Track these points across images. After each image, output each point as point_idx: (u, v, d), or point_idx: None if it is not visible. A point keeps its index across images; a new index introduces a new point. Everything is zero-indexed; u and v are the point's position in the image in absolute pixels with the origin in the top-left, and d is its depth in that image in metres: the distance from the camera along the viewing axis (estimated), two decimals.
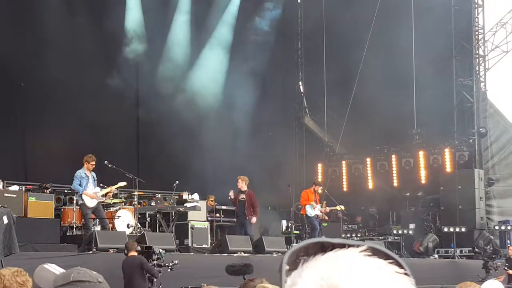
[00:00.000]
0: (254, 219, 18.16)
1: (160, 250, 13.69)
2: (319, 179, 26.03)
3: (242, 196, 18.19)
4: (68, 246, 15.83)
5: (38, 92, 20.38)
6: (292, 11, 27.59)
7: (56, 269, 3.13)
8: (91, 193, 15.43)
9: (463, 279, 18.63)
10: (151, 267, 13.27)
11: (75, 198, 17.67)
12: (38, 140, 20.38)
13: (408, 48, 23.97)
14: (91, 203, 15.45)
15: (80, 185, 15.39)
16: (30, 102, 20.51)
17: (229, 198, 18.60)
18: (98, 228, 16.19)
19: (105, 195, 16.31)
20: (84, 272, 2.70)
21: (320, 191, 20.34)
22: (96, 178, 15.76)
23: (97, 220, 16.23)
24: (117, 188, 16.93)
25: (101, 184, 16.20)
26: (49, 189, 17.77)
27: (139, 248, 13.48)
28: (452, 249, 21.67)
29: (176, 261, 13.70)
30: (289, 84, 27.55)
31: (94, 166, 15.59)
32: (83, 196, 15.37)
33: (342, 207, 20.91)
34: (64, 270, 3.27)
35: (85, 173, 15.45)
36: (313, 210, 19.63)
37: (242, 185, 18.19)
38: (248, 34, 25.43)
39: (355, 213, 25.30)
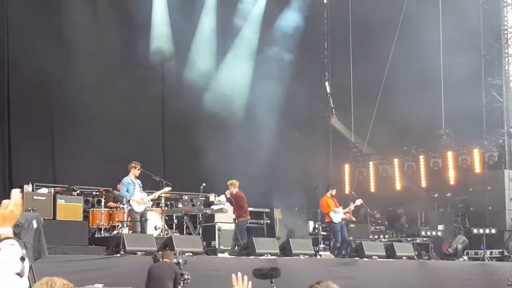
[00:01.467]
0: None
1: (180, 261, 13.69)
2: (346, 180, 25.99)
3: (232, 199, 18.37)
4: (97, 248, 15.88)
5: (66, 95, 20.49)
6: (318, 11, 27.47)
7: None
8: (138, 199, 15.82)
9: (492, 282, 18.48)
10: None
11: (103, 200, 17.82)
12: (66, 143, 20.50)
13: (436, 48, 23.79)
14: (139, 208, 15.87)
15: (127, 191, 15.79)
16: (58, 105, 20.63)
17: (224, 195, 18.73)
18: (125, 230, 16.30)
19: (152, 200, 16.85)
20: None
21: (334, 193, 20.22)
22: (141, 185, 16.21)
23: (123, 222, 16.48)
24: (162, 194, 17.28)
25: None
26: (77, 191, 17.87)
27: (175, 260, 13.51)
28: (482, 251, 21.44)
29: (188, 276, 13.66)
30: (315, 85, 27.42)
31: (139, 171, 16.01)
32: (131, 202, 15.80)
33: (361, 200, 20.70)
34: None
35: (132, 180, 15.99)
36: (337, 214, 19.53)
37: (231, 189, 18.28)
38: (274, 34, 25.34)
39: (394, 215, 25.10)
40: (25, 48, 19.58)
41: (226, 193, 18.46)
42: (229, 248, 17.69)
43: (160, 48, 22.82)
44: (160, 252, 14.20)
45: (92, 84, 20.45)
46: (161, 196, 17.80)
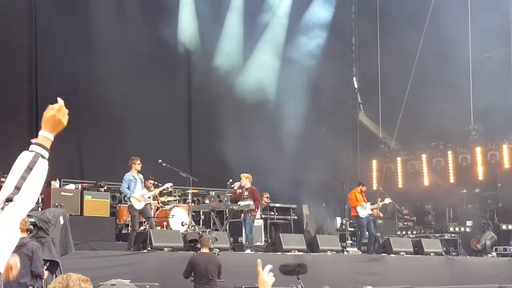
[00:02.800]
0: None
1: (214, 234, 13.78)
2: (374, 176, 25.87)
3: (246, 193, 18.17)
4: (124, 244, 15.99)
5: (92, 92, 20.61)
6: (346, 6, 27.31)
7: None
8: (138, 196, 15.77)
9: None
10: None
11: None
12: (93, 139, 20.61)
13: (465, 42, 23.56)
14: (138, 205, 15.79)
15: (128, 188, 15.75)
16: (85, 102, 20.75)
17: (232, 187, 18.49)
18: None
19: (152, 197, 16.78)
20: None
21: (365, 189, 20.10)
22: (143, 180, 16.14)
23: (150, 218, 16.54)
24: (163, 190, 17.24)
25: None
26: (104, 188, 17.95)
27: (212, 245, 13.48)
28: (511, 247, 21.24)
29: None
30: (342, 80, 27.29)
31: (140, 165, 15.93)
32: (131, 199, 15.72)
33: (389, 199, 20.62)
34: None
35: (133, 176, 15.88)
36: (364, 210, 19.41)
37: (246, 182, 18.11)
38: (301, 29, 25.26)
39: (421, 213, 24.95)
40: (52, 46, 19.74)
41: (235, 184, 18.26)
42: (250, 244, 17.65)
43: (186, 45, 22.88)
44: (195, 230, 14.16)
45: (118, 80, 20.48)
46: (188, 193, 17.83)
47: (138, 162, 16.02)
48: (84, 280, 4.01)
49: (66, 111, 3.33)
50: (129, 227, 16.26)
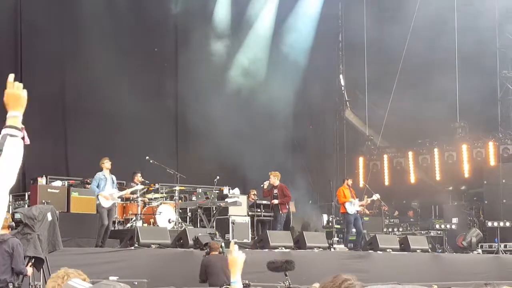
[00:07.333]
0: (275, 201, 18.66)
1: (223, 244, 13.94)
2: (360, 173, 25.93)
3: (275, 191, 18.55)
4: (111, 241, 15.96)
5: (79, 88, 20.54)
6: (333, 4, 27.31)
7: (82, 285, 3.14)
8: (106, 194, 15.87)
9: (507, 275, 18.36)
10: None
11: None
12: (79, 135, 20.54)
13: (451, 41, 23.65)
14: (106, 203, 15.90)
15: (98, 186, 15.88)
16: (71, 99, 20.68)
17: (261, 186, 18.96)
18: (139, 223, 16.36)
19: (123, 197, 17.06)
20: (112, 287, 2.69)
21: (351, 182, 20.18)
22: (115, 181, 16.27)
23: (137, 215, 16.59)
24: (132, 193, 17.36)
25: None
26: (91, 184, 17.90)
27: (221, 249, 13.61)
28: (496, 244, 21.36)
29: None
30: (329, 78, 27.33)
31: (109, 164, 16.06)
32: (99, 197, 15.83)
33: (378, 195, 20.73)
34: (91, 285, 3.28)
35: (104, 175, 16.00)
36: (353, 206, 19.46)
37: (274, 180, 18.58)
38: (289, 26, 25.26)
39: (404, 208, 25.05)
40: (37, 39, 19.64)
41: (264, 183, 18.64)
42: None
43: (173, 41, 22.85)
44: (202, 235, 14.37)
45: (105, 75, 20.40)
46: (175, 189, 17.84)
47: (106, 161, 16.20)
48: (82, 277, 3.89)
49: (21, 85, 3.28)
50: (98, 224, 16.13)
